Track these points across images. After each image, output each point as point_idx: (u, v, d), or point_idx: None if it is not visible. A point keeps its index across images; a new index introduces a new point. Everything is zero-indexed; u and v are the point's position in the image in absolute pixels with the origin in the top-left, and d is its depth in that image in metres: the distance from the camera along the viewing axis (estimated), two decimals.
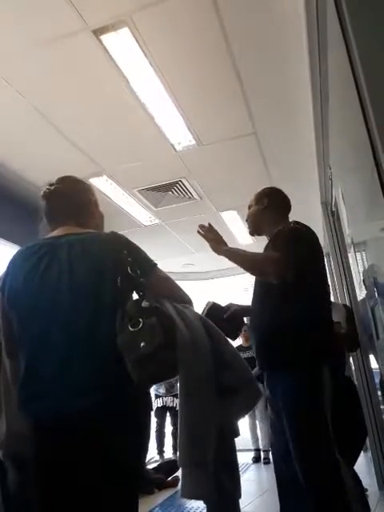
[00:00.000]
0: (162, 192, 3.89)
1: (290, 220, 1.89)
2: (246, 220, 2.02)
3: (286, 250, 1.61)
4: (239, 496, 1.33)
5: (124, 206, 4.07)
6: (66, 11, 1.96)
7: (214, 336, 1.31)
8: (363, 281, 2.25)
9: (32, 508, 1.18)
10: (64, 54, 2.22)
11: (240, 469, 4.38)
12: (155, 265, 1.33)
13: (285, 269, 1.58)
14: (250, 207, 2.00)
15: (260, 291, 1.79)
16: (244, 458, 4.78)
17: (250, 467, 4.56)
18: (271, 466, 4.57)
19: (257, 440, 4.80)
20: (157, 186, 3.75)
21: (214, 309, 1.84)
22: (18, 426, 1.28)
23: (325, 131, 2.76)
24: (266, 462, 4.60)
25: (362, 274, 2.44)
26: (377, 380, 2.95)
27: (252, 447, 4.83)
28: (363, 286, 2.25)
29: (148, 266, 1.31)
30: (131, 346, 1.09)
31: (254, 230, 1.98)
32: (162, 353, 1.10)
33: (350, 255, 2.95)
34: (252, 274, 1.73)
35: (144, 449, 1.24)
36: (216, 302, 1.90)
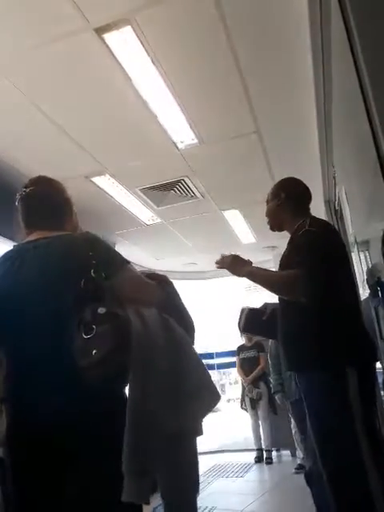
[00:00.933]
0: (165, 191, 3.89)
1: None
2: (266, 215, 1.93)
3: (311, 264, 1.56)
4: (196, 493, 1.37)
5: (126, 204, 4.07)
6: (69, 10, 1.95)
7: (176, 339, 1.32)
8: (366, 280, 2.23)
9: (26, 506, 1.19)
10: (66, 52, 2.21)
11: (242, 469, 4.40)
12: (123, 265, 1.31)
13: (313, 288, 1.54)
14: (267, 202, 1.91)
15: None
16: (246, 458, 4.79)
17: (252, 467, 4.56)
18: (273, 466, 4.60)
19: (259, 440, 4.80)
20: (159, 184, 3.75)
21: (251, 314, 1.81)
22: None
23: (328, 130, 2.75)
24: (269, 462, 4.60)
25: (365, 274, 2.43)
26: (380, 380, 2.93)
27: (255, 447, 4.83)
28: (366, 286, 2.24)
29: (114, 266, 1.28)
30: (84, 353, 1.10)
31: (274, 226, 1.90)
32: (114, 358, 1.11)
33: (353, 254, 2.94)
34: (279, 295, 1.70)
35: (114, 451, 1.19)
36: (250, 306, 1.86)
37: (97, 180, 3.53)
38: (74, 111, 2.70)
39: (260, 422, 4.80)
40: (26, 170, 3.20)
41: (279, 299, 1.75)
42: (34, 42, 2.12)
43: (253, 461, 4.71)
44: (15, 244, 1.41)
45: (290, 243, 1.78)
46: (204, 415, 1.39)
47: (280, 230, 1.89)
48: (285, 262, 1.73)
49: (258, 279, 1.71)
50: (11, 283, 1.27)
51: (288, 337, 1.68)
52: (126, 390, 1.24)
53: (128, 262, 1.33)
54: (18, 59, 2.23)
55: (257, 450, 4.81)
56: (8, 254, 1.35)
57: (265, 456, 4.68)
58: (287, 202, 1.82)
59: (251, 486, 3.79)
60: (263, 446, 4.74)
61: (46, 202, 1.41)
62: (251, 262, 1.76)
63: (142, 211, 4.28)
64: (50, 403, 1.13)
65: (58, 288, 1.22)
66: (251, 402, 4.79)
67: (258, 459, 4.71)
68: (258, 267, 1.76)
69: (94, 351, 1.09)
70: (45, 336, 1.19)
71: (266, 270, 1.72)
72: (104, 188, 3.67)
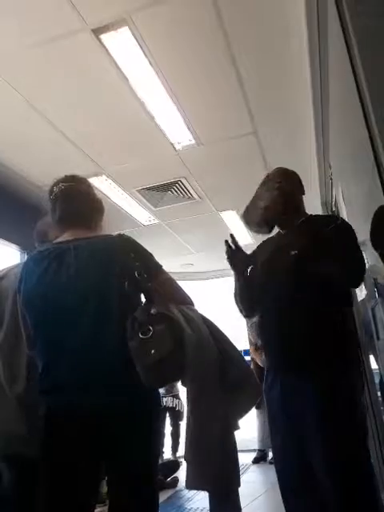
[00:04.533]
0: (162, 192, 3.88)
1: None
2: (270, 203, 1.73)
3: (359, 254, 1.56)
4: (239, 484, 1.38)
5: (123, 205, 4.07)
6: (66, 10, 1.95)
7: (217, 335, 1.34)
8: (363, 281, 2.24)
9: (35, 504, 1.19)
10: (64, 53, 2.21)
11: (242, 470, 4.38)
12: (160, 267, 1.36)
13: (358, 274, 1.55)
14: (267, 189, 1.77)
15: (290, 287, 1.59)
16: (242, 459, 4.77)
17: (249, 468, 4.54)
18: (271, 466, 4.57)
19: (262, 439, 4.78)
20: (156, 185, 3.75)
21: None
22: (13, 425, 1.29)
23: (325, 130, 2.75)
24: (272, 461, 4.56)
25: None
26: (377, 380, 2.94)
27: (256, 447, 4.80)
28: (363, 287, 2.25)
29: (154, 268, 1.34)
30: (142, 352, 1.14)
31: (275, 215, 1.72)
32: (171, 359, 1.16)
33: None
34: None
35: (154, 449, 1.30)
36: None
37: (94, 181, 3.52)
38: (71, 112, 2.69)
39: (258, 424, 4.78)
40: (21, 170, 3.20)
41: (285, 300, 1.61)
42: (31, 42, 2.12)
43: (249, 461, 4.69)
44: (53, 242, 1.40)
45: (299, 233, 1.64)
46: (247, 410, 1.41)
47: (275, 221, 1.74)
48: (308, 249, 1.55)
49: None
50: (50, 283, 1.27)
51: (292, 336, 1.56)
52: None
53: (162, 266, 1.37)
54: (14, 59, 2.22)
55: (258, 450, 4.78)
56: (44, 253, 1.34)
57: (269, 457, 4.65)
58: (293, 192, 1.75)
59: (248, 487, 3.78)
60: (266, 447, 4.72)
61: (86, 201, 1.43)
62: None
63: (140, 212, 4.28)
64: (92, 399, 1.16)
65: (102, 288, 1.24)
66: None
67: (256, 460, 4.69)
68: None
69: (153, 351, 1.14)
70: (88, 334, 1.21)
71: None
72: (101, 189, 3.66)
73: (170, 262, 6.01)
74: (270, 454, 4.70)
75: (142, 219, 4.46)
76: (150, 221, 4.52)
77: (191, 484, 1.22)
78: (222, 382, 1.26)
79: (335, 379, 1.49)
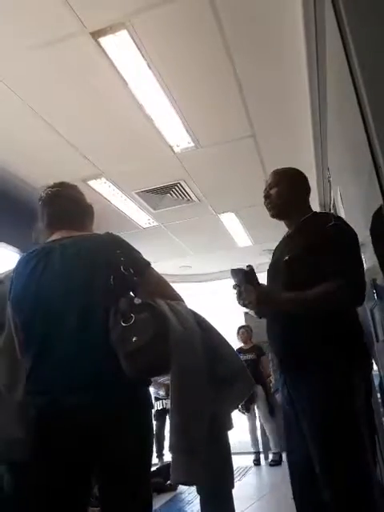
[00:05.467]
0: (161, 194, 3.89)
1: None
2: (270, 199, 1.74)
3: (353, 271, 1.46)
4: (232, 486, 1.36)
5: (122, 208, 4.07)
6: (65, 14, 1.96)
7: (207, 329, 1.33)
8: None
9: (31, 508, 1.19)
10: (62, 56, 2.22)
11: (240, 472, 4.38)
12: (148, 264, 1.35)
13: (358, 296, 1.46)
14: (271, 186, 1.76)
15: (285, 290, 1.60)
16: (243, 461, 4.77)
17: (250, 470, 4.54)
18: (271, 468, 4.57)
19: (257, 443, 4.79)
20: (155, 188, 3.75)
21: (253, 272, 1.57)
22: (12, 430, 1.29)
23: (323, 133, 2.76)
24: (272, 464, 4.56)
25: None
26: (376, 382, 2.94)
27: (252, 450, 4.81)
28: None
29: (141, 265, 1.33)
30: (123, 340, 1.13)
31: (279, 211, 1.73)
32: (154, 346, 1.14)
33: None
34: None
35: (146, 448, 1.27)
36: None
37: (93, 183, 3.53)
38: (70, 115, 2.70)
39: (258, 424, 4.79)
40: (20, 173, 3.21)
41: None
42: (29, 45, 2.12)
43: (251, 463, 4.70)
44: (42, 243, 1.40)
45: (299, 234, 1.64)
46: (239, 402, 1.39)
47: (282, 218, 1.76)
48: (301, 250, 1.56)
49: (292, 307, 1.52)
50: (37, 283, 1.28)
51: (293, 336, 1.56)
52: None
53: (150, 263, 1.36)
54: (13, 62, 2.23)
55: (254, 452, 4.79)
56: (32, 254, 1.36)
57: (270, 458, 4.66)
58: (297, 190, 1.74)
59: (249, 490, 3.77)
60: (261, 449, 4.73)
61: (73, 203, 1.44)
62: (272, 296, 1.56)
63: (139, 214, 4.28)
64: (81, 398, 1.14)
65: (87, 285, 1.24)
66: (245, 405, 4.74)
67: (257, 462, 4.70)
68: (286, 294, 1.55)
69: (134, 338, 1.12)
70: (74, 332, 1.20)
71: (296, 294, 1.51)
72: (100, 191, 3.67)
73: (168, 265, 6.03)
74: (271, 456, 4.71)
75: (142, 222, 4.46)
76: (149, 223, 4.53)
77: (175, 477, 1.13)
78: (210, 376, 1.24)
79: (331, 379, 1.48)
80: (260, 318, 1.71)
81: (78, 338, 1.20)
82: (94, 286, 1.23)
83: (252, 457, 4.80)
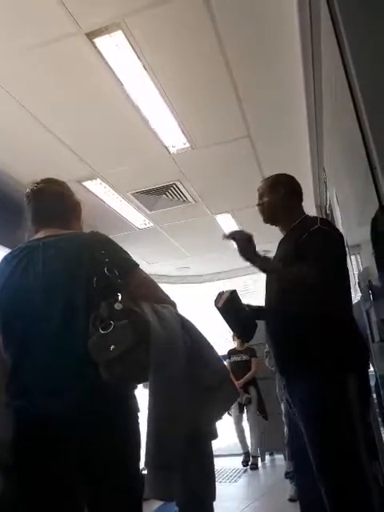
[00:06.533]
0: (156, 195, 3.88)
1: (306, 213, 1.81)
2: (261, 208, 1.85)
3: (324, 264, 1.51)
4: (213, 499, 1.32)
5: (118, 209, 4.06)
6: (60, 14, 1.95)
7: (194, 335, 1.29)
8: (358, 283, 2.24)
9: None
10: (57, 56, 2.20)
11: (235, 474, 4.37)
12: (135, 265, 1.31)
13: (324, 286, 1.51)
14: (261, 196, 1.84)
15: (276, 293, 1.69)
16: (238, 463, 4.76)
17: (245, 472, 4.53)
18: (266, 470, 4.56)
19: (246, 444, 4.77)
20: (151, 189, 3.74)
21: (236, 296, 1.76)
22: (1, 432, 1.26)
23: (319, 134, 2.77)
24: (253, 467, 4.57)
25: (356, 277, 2.44)
26: (372, 383, 2.94)
27: (242, 451, 4.79)
28: (358, 289, 2.25)
29: (127, 266, 1.29)
30: (101, 348, 1.09)
31: (270, 220, 1.84)
32: (133, 355, 1.10)
33: None
34: (288, 288, 1.62)
35: (130, 453, 1.20)
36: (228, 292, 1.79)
37: (88, 184, 3.51)
38: (65, 115, 2.68)
39: (248, 428, 4.77)
40: (15, 173, 3.18)
41: (274, 300, 1.70)
42: (24, 45, 2.11)
43: (241, 466, 4.67)
44: (26, 241, 1.38)
45: (289, 239, 1.73)
46: (223, 411, 1.35)
47: (274, 224, 1.85)
48: (289, 255, 1.65)
49: (268, 267, 1.62)
50: (18, 282, 1.25)
51: (288, 338, 1.61)
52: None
53: (138, 265, 1.32)
54: (8, 62, 2.21)
55: (244, 453, 4.77)
56: (14, 253, 1.32)
57: (250, 461, 4.65)
58: (285, 197, 1.78)
59: (244, 492, 3.77)
60: (250, 451, 4.71)
61: (58, 200, 1.40)
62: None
63: (134, 215, 4.27)
64: (59, 403, 1.11)
65: (68, 286, 1.20)
66: (239, 407, 4.75)
67: (245, 463, 4.67)
68: (269, 259, 1.65)
69: (112, 347, 1.08)
70: (54, 335, 1.17)
71: (279, 266, 1.63)
72: (95, 192, 3.65)
73: (165, 266, 6.02)
74: (251, 459, 4.68)
75: (137, 223, 4.45)
76: (144, 224, 4.51)
77: (152, 493, 1.07)
78: (194, 384, 1.20)
79: (324, 380, 1.50)
80: (245, 341, 1.77)
81: (57, 341, 1.16)
82: (76, 288, 1.20)
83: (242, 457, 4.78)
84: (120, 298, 1.19)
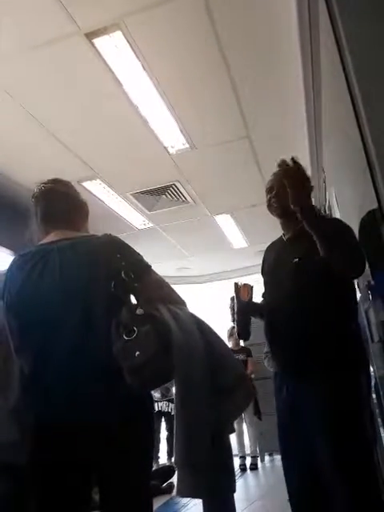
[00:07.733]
0: (156, 195, 3.88)
1: None
2: (274, 200, 1.75)
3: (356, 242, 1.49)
4: (234, 491, 1.34)
5: (117, 209, 4.06)
6: (59, 14, 1.95)
7: (208, 336, 1.30)
8: (357, 284, 2.24)
9: None
10: (56, 56, 2.21)
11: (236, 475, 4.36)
12: (149, 267, 1.32)
13: (362, 264, 1.46)
14: (271, 189, 1.79)
15: (293, 291, 1.61)
16: (238, 465, 4.74)
17: (245, 473, 4.52)
18: (266, 471, 4.55)
19: (243, 447, 4.75)
20: (150, 189, 3.75)
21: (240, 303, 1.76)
22: (5, 434, 1.26)
23: (318, 134, 2.77)
24: (253, 468, 4.56)
25: None
26: (372, 383, 2.94)
27: (238, 454, 4.73)
28: (357, 289, 2.25)
29: (141, 268, 1.29)
30: (126, 354, 1.10)
31: (283, 214, 1.72)
32: (158, 359, 1.11)
33: None
34: (332, 257, 1.45)
35: (146, 462, 1.25)
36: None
37: (88, 185, 3.51)
38: (65, 116, 2.69)
39: (246, 428, 4.76)
40: (13, 174, 3.19)
41: (286, 299, 1.63)
42: (24, 46, 2.12)
43: (244, 466, 4.66)
44: (37, 244, 1.36)
45: (307, 233, 1.54)
46: (240, 411, 1.37)
47: (285, 216, 1.73)
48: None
49: (317, 224, 1.44)
50: (34, 287, 1.23)
51: (304, 337, 1.56)
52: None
53: (150, 265, 1.33)
54: (7, 63, 2.22)
55: (240, 457, 4.72)
56: (27, 256, 1.30)
57: (250, 462, 4.63)
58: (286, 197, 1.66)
59: (244, 492, 3.76)
60: (248, 452, 4.69)
61: (66, 200, 1.39)
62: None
63: (134, 216, 4.27)
64: (81, 408, 1.12)
65: (87, 291, 1.20)
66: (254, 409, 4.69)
67: (244, 467, 4.64)
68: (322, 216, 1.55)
69: (138, 353, 1.09)
70: (74, 340, 1.17)
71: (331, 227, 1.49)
72: (95, 193, 3.65)
73: (165, 266, 6.01)
74: (250, 460, 4.67)
75: (137, 223, 4.45)
76: (144, 225, 4.52)
77: (183, 491, 1.14)
78: (212, 384, 1.22)
79: (340, 379, 1.49)
80: (243, 340, 1.76)
81: (78, 346, 1.16)
82: (94, 293, 1.20)
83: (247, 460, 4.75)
84: (140, 301, 1.20)
